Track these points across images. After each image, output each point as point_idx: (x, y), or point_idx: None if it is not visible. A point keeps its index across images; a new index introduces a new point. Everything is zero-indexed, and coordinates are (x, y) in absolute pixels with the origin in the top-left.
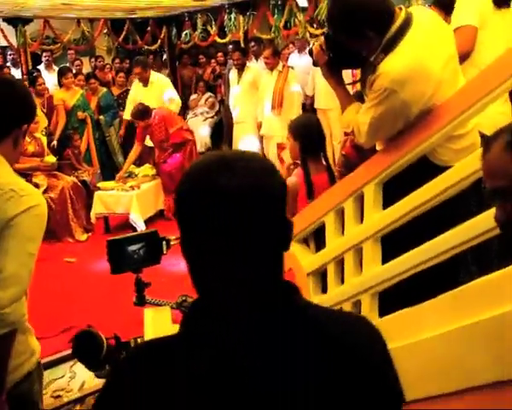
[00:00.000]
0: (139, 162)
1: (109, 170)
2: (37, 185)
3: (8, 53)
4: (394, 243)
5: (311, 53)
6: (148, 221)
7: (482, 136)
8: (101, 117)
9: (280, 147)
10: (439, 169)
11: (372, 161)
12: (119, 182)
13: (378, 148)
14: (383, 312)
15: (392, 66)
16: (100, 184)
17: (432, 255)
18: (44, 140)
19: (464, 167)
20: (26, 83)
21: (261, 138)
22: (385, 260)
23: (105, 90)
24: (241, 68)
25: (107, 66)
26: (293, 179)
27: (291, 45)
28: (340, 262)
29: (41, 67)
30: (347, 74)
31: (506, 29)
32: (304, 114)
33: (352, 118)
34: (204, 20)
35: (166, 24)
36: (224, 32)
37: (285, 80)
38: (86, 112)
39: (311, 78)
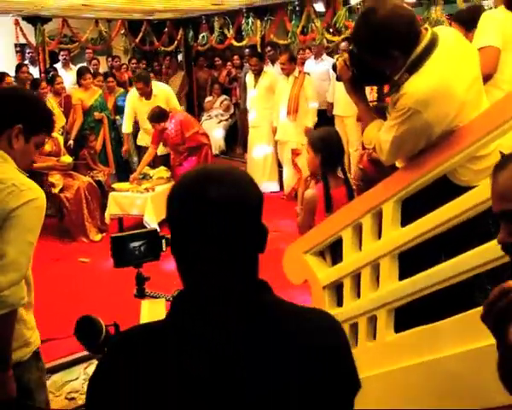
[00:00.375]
0: (153, 164)
1: (124, 170)
2: (53, 184)
3: (27, 51)
4: (410, 258)
5: (334, 68)
6: (161, 223)
7: (502, 155)
8: (118, 117)
9: (294, 153)
10: (459, 189)
11: (392, 178)
12: (134, 183)
13: (398, 165)
14: (396, 326)
15: (417, 86)
16: (115, 185)
17: (450, 276)
18: (61, 139)
19: (485, 190)
20: (44, 81)
21: (276, 143)
22: (400, 274)
23: (122, 90)
24: (257, 73)
25: (124, 66)
26: (312, 192)
27: (307, 51)
28: (356, 277)
29: (58, 65)
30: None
31: None
32: (324, 128)
33: (374, 135)
34: (221, 23)
35: (183, 26)
36: (240, 36)
37: (301, 86)
38: (103, 112)
39: (332, 85)
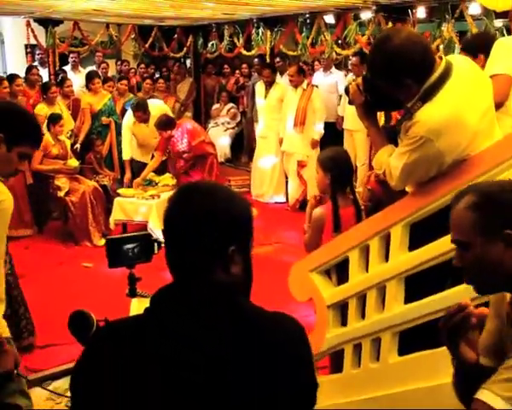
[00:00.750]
0: (159, 171)
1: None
2: (58, 188)
3: (37, 52)
4: (417, 281)
5: (347, 92)
6: None
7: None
8: None
9: (300, 164)
10: None
11: (401, 203)
12: (139, 189)
13: (408, 190)
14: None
15: (430, 115)
16: (120, 191)
17: (456, 303)
18: (68, 143)
19: None
20: (54, 84)
21: (282, 154)
22: (406, 296)
23: (132, 96)
24: (269, 84)
25: (132, 70)
26: (321, 211)
27: (316, 63)
28: (361, 297)
29: (67, 67)
30: None
31: None
32: (334, 148)
33: (385, 160)
34: (231, 31)
35: (193, 33)
36: (250, 45)
37: (308, 99)
38: (112, 117)
39: (343, 98)
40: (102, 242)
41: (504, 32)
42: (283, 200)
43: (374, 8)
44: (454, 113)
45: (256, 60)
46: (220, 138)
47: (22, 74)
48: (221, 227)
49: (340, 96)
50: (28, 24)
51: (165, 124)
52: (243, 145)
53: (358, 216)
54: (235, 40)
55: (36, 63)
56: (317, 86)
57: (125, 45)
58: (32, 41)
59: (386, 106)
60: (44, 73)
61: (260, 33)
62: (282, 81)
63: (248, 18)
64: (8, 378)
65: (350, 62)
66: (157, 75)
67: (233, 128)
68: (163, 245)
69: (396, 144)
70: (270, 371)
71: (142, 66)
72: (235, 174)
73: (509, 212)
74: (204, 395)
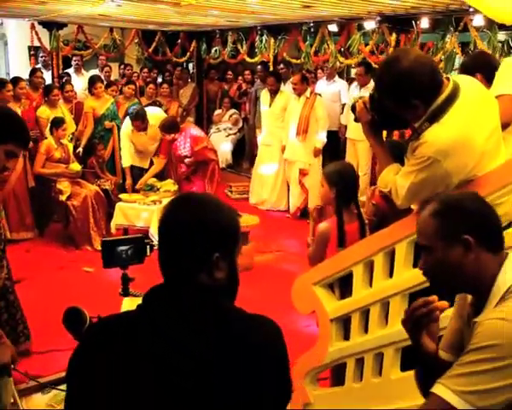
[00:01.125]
0: (161, 176)
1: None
2: (60, 191)
3: (40, 55)
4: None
5: (353, 109)
6: None
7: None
8: None
9: (302, 173)
10: None
11: (407, 220)
12: (141, 194)
13: (413, 207)
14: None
15: (437, 136)
16: (122, 196)
17: None
18: (71, 147)
19: None
20: (56, 87)
21: (284, 162)
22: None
23: (136, 100)
24: (274, 92)
25: (135, 74)
26: (326, 226)
27: (319, 71)
28: (364, 312)
29: (70, 70)
30: None
31: None
32: (339, 162)
33: (391, 179)
34: (235, 37)
35: (197, 38)
36: (253, 52)
37: (311, 107)
38: (114, 121)
39: (346, 107)
40: None
41: (510, 42)
42: (286, 208)
43: (378, 18)
44: (461, 134)
45: (259, 67)
46: (222, 144)
47: (25, 76)
48: (210, 235)
49: (343, 105)
50: (33, 26)
51: (170, 127)
52: (245, 151)
53: (362, 232)
54: (239, 47)
55: (39, 65)
56: (320, 95)
57: (128, 49)
58: (36, 43)
59: (393, 125)
60: (48, 76)
61: (264, 41)
62: (286, 88)
63: (252, 25)
64: (5, 372)
65: (354, 72)
66: (159, 80)
67: (235, 134)
68: (155, 248)
69: (401, 160)
70: (254, 373)
71: (145, 70)
72: (236, 180)
73: (467, 218)
74: (192, 398)
